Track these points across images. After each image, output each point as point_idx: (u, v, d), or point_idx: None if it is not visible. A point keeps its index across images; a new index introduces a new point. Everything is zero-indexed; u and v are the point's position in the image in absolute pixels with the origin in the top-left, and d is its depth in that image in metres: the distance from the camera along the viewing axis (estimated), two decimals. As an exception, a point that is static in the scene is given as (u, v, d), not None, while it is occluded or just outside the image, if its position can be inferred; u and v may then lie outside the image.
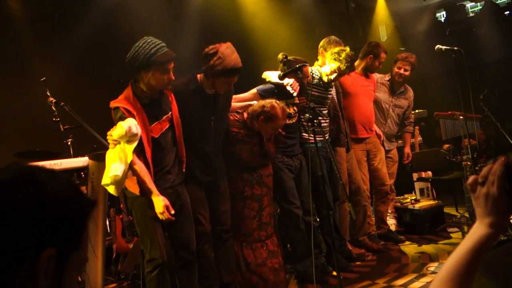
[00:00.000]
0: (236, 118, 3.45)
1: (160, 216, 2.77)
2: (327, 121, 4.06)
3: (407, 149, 4.93)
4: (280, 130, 3.52)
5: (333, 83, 4.08)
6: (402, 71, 4.65)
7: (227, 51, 3.01)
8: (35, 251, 0.70)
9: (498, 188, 0.93)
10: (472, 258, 0.92)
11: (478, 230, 0.95)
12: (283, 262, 3.62)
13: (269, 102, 3.35)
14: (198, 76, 3.16)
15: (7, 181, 0.71)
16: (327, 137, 3.90)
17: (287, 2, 7.20)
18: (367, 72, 4.55)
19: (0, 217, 0.67)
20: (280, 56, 3.73)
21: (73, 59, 5.13)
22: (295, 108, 3.76)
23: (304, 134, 3.87)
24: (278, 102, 3.38)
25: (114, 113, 2.80)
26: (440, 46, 4.14)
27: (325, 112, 4.04)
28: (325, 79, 3.92)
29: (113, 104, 2.81)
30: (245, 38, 6.40)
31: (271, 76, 3.72)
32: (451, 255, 0.96)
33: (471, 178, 0.99)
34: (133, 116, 2.74)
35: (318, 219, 4.01)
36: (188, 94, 3.08)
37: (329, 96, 4.06)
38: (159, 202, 2.76)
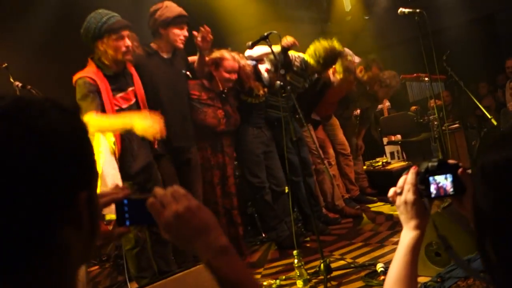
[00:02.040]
0: (195, 82, 3.47)
1: (157, 135, 2.65)
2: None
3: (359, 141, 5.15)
4: (235, 76, 3.48)
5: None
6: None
7: (170, 3, 3.22)
8: (66, 200, 0.64)
9: (413, 193, 1.05)
10: (409, 259, 1.04)
11: (406, 235, 1.07)
12: (243, 236, 3.77)
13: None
14: (152, 44, 3.30)
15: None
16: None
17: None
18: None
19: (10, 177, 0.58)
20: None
21: (34, 41, 4.97)
22: (265, 89, 3.80)
23: (270, 109, 3.93)
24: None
25: (78, 85, 2.77)
26: (403, 9, 4.21)
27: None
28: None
29: (76, 76, 2.81)
30: (213, 14, 6.33)
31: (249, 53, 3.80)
32: (392, 263, 1.07)
33: (391, 191, 1.11)
34: (96, 85, 2.73)
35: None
36: (145, 61, 3.16)
37: (301, 86, 4.13)
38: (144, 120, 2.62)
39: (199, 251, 0.85)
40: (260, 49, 3.70)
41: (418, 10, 4.11)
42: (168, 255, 3.15)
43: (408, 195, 1.06)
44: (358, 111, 5.18)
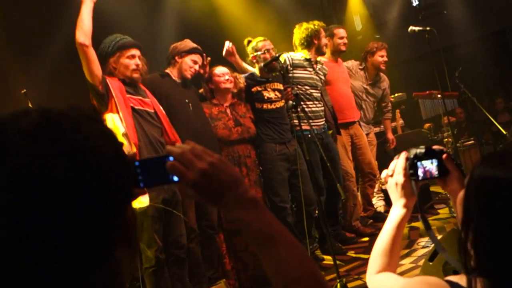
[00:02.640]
0: (204, 102, 3.59)
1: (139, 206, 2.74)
2: (319, 104, 4.06)
3: (390, 135, 5.04)
4: (225, 79, 3.57)
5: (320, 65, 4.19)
6: (385, 58, 4.74)
7: (189, 40, 3.53)
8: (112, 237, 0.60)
9: (403, 176, 1.19)
10: (395, 234, 1.19)
11: (395, 212, 1.21)
12: None
13: None
14: (166, 70, 3.50)
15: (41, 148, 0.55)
16: (321, 122, 3.97)
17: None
18: (335, 55, 4.60)
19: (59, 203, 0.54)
20: (245, 41, 4.05)
21: (53, 68, 5.11)
22: (276, 93, 3.82)
23: (294, 120, 3.86)
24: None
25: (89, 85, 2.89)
26: (413, 28, 4.26)
27: (316, 95, 4.04)
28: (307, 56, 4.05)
29: None
30: (222, 36, 6.44)
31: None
32: (380, 235, 1.22)
33: (384, 173, 1.25)
34: (107, 83, 2.85)
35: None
36: (160, 79, 3.37)
37: (319, 77, 4.11)
38: None
39: (228, 206, 0.81)
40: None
41: (428, 28, 4.15)
42: (184, 277, 3.15)
43: (399, 177, 1.19)
44: None
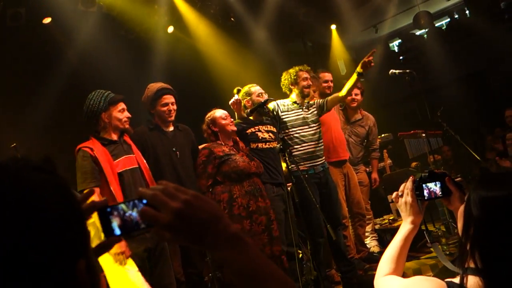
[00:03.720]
0: (210, 144, 3.63)
1: (116, 258, 2.68)
2: (312, 144, 4.05)
3: (374, 175, 5.11)
4: (229, 121, 3.67)
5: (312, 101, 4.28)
6: (353, 96, 4.87)
7: (151, 84, 3.59)
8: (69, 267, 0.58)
9: (411, 197, 1.40)
10: (402, 245, 1.39)
11: (404, 227, 1.42)
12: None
13: None
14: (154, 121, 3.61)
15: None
16: (319, 162, 4.02)
17: (247, 47, 7.49)
18: (322, 96, 4.64)
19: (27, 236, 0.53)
20: (235, 90, 4.08)
21: (42, 122, 5.16)
22: (270, 134, 3.92)
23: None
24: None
25: (78, 155, 2.97)
26: (394, 71, 4.41)
27: (310, 133, 4.06)
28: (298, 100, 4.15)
29: (77, 147, 3.01)
30: (209, 85, 6.61)
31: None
32: (389, 246, 1.43)
33: (394, 194, 1.46)
34: (94, 155, 2.89)
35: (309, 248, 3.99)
36: (148, 132, 3.45)
37: (312, 114, 4.17)
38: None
39: (210, 245, 0.75)
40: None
41: (407, 71, 4.29)
42: None
43: (407, 198, 1.40)
44: None
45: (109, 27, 5.77)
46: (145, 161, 3.20)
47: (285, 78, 4.20)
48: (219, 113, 3.66)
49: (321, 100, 4.23)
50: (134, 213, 0.75)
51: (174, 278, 3.10)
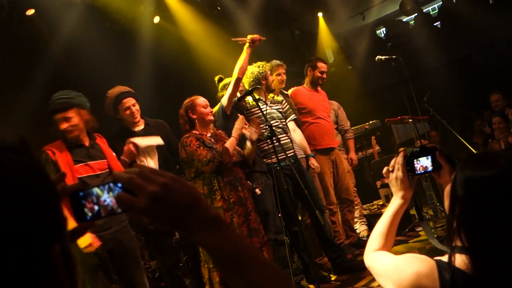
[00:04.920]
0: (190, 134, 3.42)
1: (88, 250, 2.69)
2: (287, 136, 4.13)
3: (351, 154, 5.15)
4: (209, 110, 3.48)
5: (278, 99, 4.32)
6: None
7: (110, 90, 3.54)
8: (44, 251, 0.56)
9: (402, 172, 1.39)
10: (392, 220, 1.39)
11: (394, 202, 1.42)
12: None
13: None
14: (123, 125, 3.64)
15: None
16: (291, 153, 4.02)
17: (232, 35, 7.45)
18: (314, 85, 4.77)
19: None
20: (216, 78, 4.11)
21: (28, 116, 5.10)
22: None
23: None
24: None
25: (40, 156, 2.92)
26: (380, 57, 4.43)
27: (281, 126, 4.11)
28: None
29: (42, 149, 2.96)
30: (196, 74, 6.58)
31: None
32: (379, 221, 1.42)
33: (385, 169, 1.45)
34: (54, 156, 2.86)
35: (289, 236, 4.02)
36: (116, 139, 3.45)
37: (277, 109, 4.21)
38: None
39: (189, 229, 0.71)
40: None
41: (394, 57, 4.32)
42: None
43: (398, 173, 1.40)
44: None
45: (93, 19, 5.70)
46: (118, 163, 3.13)
47: (252, 74, 4.13)
48: (200, 100, 3.46)
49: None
50: (109, 198, 0.72)
51: (144, 277, 3.09)
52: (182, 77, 6.51)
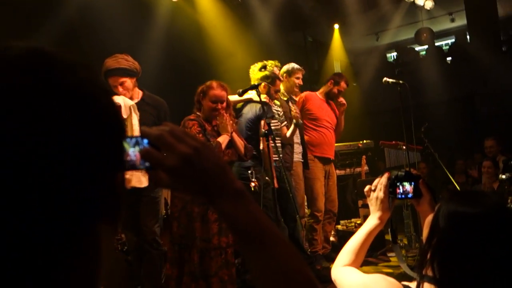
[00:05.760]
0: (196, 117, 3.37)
1: None
2: (279, 140, 4.12)
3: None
4: (221, 106, 3.33)
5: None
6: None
7: (105, 60, 3.32)
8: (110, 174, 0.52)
9: (383, 193, 1.40)
10: (365, 238, 1.40)
11: (370, 221, 1.42)
12: (235, 276, 3.39)
13: None
14: None
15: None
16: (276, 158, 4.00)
17: (248, 29, 7.47)
18: (327, 97, 4.82)
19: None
20: (259, 65, 4.01)
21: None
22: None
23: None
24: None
25: None
26: (387, 79, 4.46)
27: (278, 128, 4.10)
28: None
29: None
30: (205, 59, 6.58)
31: (233, 98, 3.90)
32: (352, 237, 1.43)
33: (367, 187, 1.45)
34: None
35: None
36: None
37: (277, 111, 4.22)
38: None
39: (212, 197, 0.70)
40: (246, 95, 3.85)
41: (401, 82, 4.35)
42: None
43: (379, 193, 1.41)
44: None
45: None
46: None
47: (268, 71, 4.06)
48: (214, 92, 3.31)
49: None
50: (133, 152, 0.68)
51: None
52: (191, 59, 6.50)
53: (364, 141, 6.15)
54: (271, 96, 4.10)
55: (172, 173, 0.67)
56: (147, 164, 0.68)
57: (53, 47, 0.51)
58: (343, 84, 4.78)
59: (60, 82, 0.47)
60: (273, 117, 3.97)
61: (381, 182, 1.42)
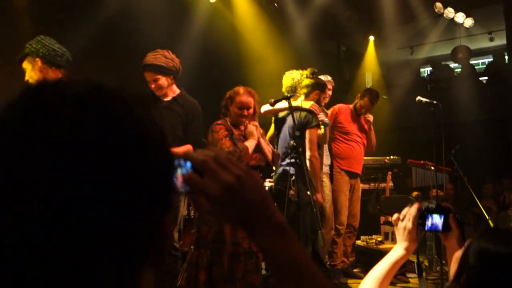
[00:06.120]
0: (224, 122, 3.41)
1: None
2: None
3: None
4: (247, 112, 3.34)
5: None
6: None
7: (147, 54, 3.30)
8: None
9: (412, 223, 1.38)
10: (390, 268, 1.36)
11: (396, 251, 1.40)
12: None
13: None
14: None
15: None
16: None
17: (283, 34, 7.48)
18: (356, 111, 4.82)
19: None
20: (308, 71, 4.00)
21: (72, 61, 5.15)
22: None
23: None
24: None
25: None
26: (421, 98, 4.38)
27: None
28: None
29: None
30: (237, 62, 6.62)
31: (265, 108, 3.91)
32: (377, 265, 1.40)
33: (395, 216, 1.43)
34: None
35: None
36: (150, 99, 3.32)
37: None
38: None
39: (252, 229, 0.68)
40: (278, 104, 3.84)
41: (435, 102, 4.27)
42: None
43: (408, 223, 1.39)
44: None
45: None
46: None
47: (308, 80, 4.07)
48: (240, 98, 3.32)
49: None
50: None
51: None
52: (225, 60, 6.56)
53: (391, 157, 6.08)
54: (320, 104, 4.08)
55: (213, 201, 0.67)
56: (188, 188, 0.67)
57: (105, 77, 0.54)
58: (366, 99, 4.76)
59: (119, 122, 0.48)
60: (319, 126, 3.89)
61: (410, 212, 1.40)
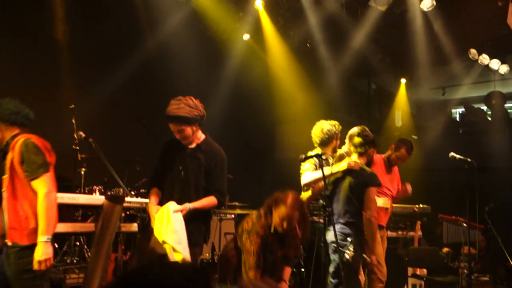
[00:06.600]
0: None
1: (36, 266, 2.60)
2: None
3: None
4: (286, 226, 3.21)
5: None
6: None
7: (170, 102, 3.29)
8: None
9: None
10: None
11: None
12: None
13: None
14: None
15: None
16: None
17: (314, 74, 7.52)
18: (389, 163, 4.66)
19: None
20: (357, 130, 3.93)
21: (105, 94, 5.31)
22: None
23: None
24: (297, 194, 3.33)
25: None
26: (454, 155, 4.28)
27: None
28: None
29: None
30: (270, 103, 6.68)
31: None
32: None
33: None
34: None
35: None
36: (171, 143, 3.40)
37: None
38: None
39: None
40: (312, 175, 3.85)
41: (469, 160, 4.17)
42: None
43: None
44: None
45: (191, 21, 5.92)
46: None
47: (328, 132, 4.10)
48: (281, 209, 3.24)
49: None
50: None
51: None
52: (254, 98, 6.63)
53: (421, 205, 5.92)
54: (334, 152, 4.08)
55: None
56: None
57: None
58: (403, 151, 4.62)
59: None
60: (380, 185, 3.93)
61: None
